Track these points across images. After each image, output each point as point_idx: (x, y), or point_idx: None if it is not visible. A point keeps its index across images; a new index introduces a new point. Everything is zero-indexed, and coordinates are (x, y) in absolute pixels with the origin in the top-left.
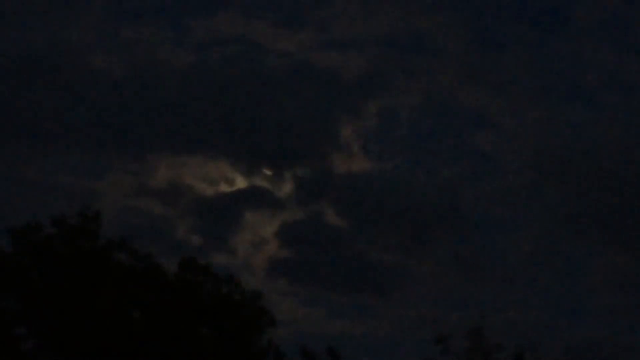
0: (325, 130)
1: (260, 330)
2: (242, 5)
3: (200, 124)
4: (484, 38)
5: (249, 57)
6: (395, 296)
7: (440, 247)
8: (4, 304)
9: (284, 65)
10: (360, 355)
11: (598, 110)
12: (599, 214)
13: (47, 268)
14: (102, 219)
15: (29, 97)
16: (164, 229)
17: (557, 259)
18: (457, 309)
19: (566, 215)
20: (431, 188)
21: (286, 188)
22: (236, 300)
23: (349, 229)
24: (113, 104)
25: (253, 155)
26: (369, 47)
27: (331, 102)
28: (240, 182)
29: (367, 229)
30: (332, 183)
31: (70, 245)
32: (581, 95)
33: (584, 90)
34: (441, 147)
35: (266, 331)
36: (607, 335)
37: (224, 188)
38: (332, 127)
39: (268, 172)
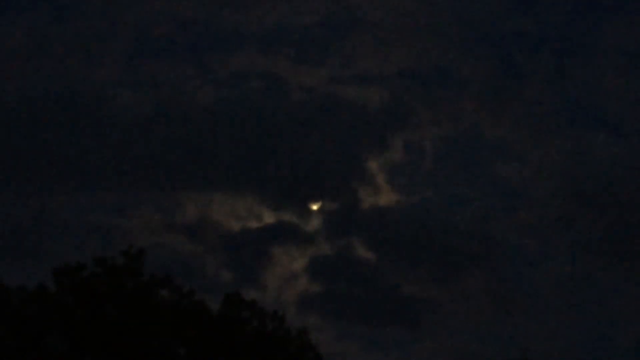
0: (351, 164)
1: None
2: (263, 41)
3: (226, 159)
4: (507, 69)
5: (273, 91)
6: (428, 329)
7: (472, 279)
8: (50, 343)
9: (308, 99)
10: None
11: (623, 139)
12: (628, 242)
13: (92, 307)
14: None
15: (56, 136)
16: (193, 265)
17: (588, 290)
18: (489, 341)
19: (597, 246)
20: (460, 220)
21: (314, 222)
22: (281, 336)
23: (379, 262)
24: (139, 142)
25: (279, 190)
26: (392, 80)
27: (356, 136)
28: (268, 217)
29: (397, 262)
30: (360, 217)
31: (114, 284)
32: (606, 124)
33: (608, 119)
34: (468, 179)
35: None
36: None
37: (252, 223)
38: (358, 160)
39: (314, 207)
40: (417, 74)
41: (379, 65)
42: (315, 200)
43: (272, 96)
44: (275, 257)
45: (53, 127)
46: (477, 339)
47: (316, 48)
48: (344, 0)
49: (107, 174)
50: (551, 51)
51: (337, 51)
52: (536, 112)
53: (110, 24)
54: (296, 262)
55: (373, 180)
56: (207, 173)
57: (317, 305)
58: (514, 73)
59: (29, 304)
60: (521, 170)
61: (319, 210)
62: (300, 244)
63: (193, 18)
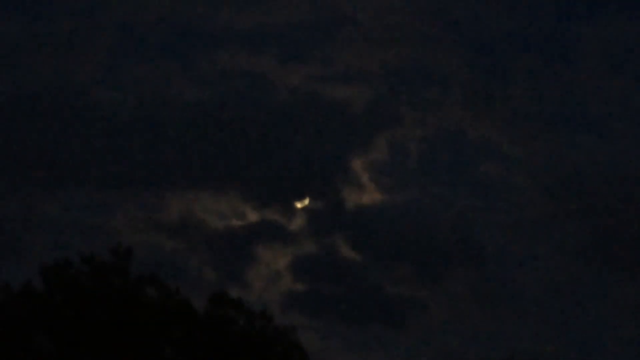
0: (336, 163)
1: None
2: (248, 40)
3: (210, 158)
4: (491, 69)
5: (257, 90)
6: (411, 328)
7: (456, 279)
8: (37, 342)
9: (292, 98)
10: None
11: (607, 139)
12: (615, 244)
13: (79, 305)
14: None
15: (39, 134)
16: (176, 264)
17: (572, 290)
18: (473, 340)
19: (581, 246)
20: (444, 220)
21: (298, 221)
22: (269, 335)
23: (363, 261)
24: (123, 140)
25: (264, 189)
26: (376, 80)
27: (341, 135)
28: (252, 216)
29: (381, 261)
30: (344, 216)
31: (102, 283)
32: (590, 124)
33: (593, 119)
34: (452, 178)
35: None
36: None
37: (236, 222)
38: (342, 159)
39: (300, 205)
40: (401, 74)
41: (363, 65)
42: (300, 198)
43: (257, 95)
44: (259, 256)
45: (36, 125)
46: (461, 339)
47: (301, 47)
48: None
49: (90, 172)
50: (536, 52)
51: (321, 50)
52: (521, 112)
53: (93, 23)
54: (280, 260)
55: (357, 179)
56: (191, 171)
57: (301, 304)
58: (499, 74)
59: (15, 303)
60: (505, 170)
61: (303, 209)
62: (284, 242)
63: (176, 16)
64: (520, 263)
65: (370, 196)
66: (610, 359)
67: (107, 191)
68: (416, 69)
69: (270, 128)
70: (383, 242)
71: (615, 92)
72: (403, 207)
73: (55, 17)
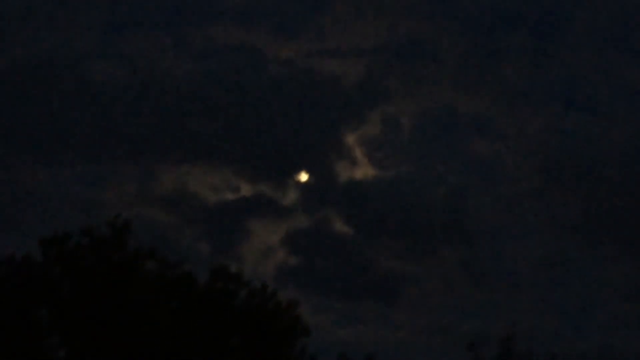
0: (329, 138)
1: (295, 339)
2: (240, 13)
3: (202, 132)
4: (483, 45)
5: (250, 64)
6: (405, 303)
7: (448, 254)
8: (35, 314)
9: (285, 72)
10: None
11: (600, 117)
12: (606, 220)
13: (78, 278)
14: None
15: (30, 107)
16: (169, 237)
17: (565, 267)
18: (466, 316)
19: (573, 222)
20: (437, 195)
21: (291, 195)
22: (270, 309)
23: (356, 236)
24: (114, 114)
25: (256, 163)
26: (368, 55)
27: (334, 110)
28: (245, 190)
29: (374, 236)
30: (337, 190)
31: (100, 255)
32: (583, 101)
33: (585, 97)
34: (444, 154)
35: (300, 340)
36: (616, 344)
37: (229, 196)
38: (335, 134)
39: (301, 179)
40: (393, 49)
41: (355, 40)
42: (293, 173)
43: (249, 69)
44: (252, 230)
45: (27, 98)
46: (454, 314)
47: (293, 21)
48: None
49: (81, 145)
50: (528, 28)
51: (314, 25)
52: (513, 89)
53: None
54: (273, 235)
55: (350, 154)
56: (184, 145)
57: (294, 279)
58: (491, 49)
59: (15, 275)
60: (498, 147)
61: (297, 183)
62: (277, 217)
63: None
64: (512, 238)
65: (364, 171)
66: (604, 335)
67: (99, 164)
68: (408, 44)
69: (263, 102)
70: (376, 216)
71: (607, 70)
72: (396, 182)
73: None
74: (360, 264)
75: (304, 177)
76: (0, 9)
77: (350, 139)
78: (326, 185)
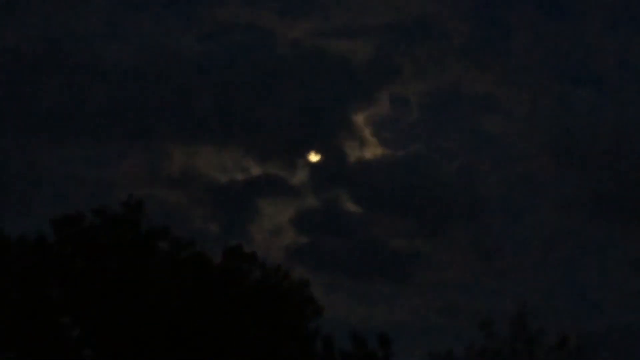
0: (338, 117)
1: (307, 318)
2: None
3: (212, 112)
4: (492, 23)
5: (258, 44)
6: (415, 282)
7: (459, 233)
8: (49, 293)
9: (293, 52)
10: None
11: (608, 93)
12: (614, 197)
13: (91, 258)
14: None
15: (39, 88)
16: (179, 218)
17: (574, 244)
18: (476, 294)
19: (582, 200)
20: (446, 174)
21: (300, 175)
22: (283, 288)
23: (365, 215)
24: (124, 94)
25: (265, 143)
26: (376, 34)
27: (342, 90)
28: (254, 170)
29: (383, 215)
30: (346, 170)
31: (113, 235)
32: (591, 78)
33: (593, 73)
34: (453, 133)
35: (313, 319)
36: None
37: (238, 176)
38: (344, 113)
39: (312, 159)
40: (401, 28)
41: (364, 19)
42: (302, 153)
43: (258, 49)
44: (261, 210)
45: (36, 79)
46: (465, 293)
47: (301, 1)
48: None
49: (90, 125)
50: (536, 5)
51: (321, 3)
52: (522, 66)
53: None
54: (282, 214)
55: (359, 133)
56: (193, 125)
57: (304, 258)
58: (500, 28)
59: (28, 255)
60: (506, 124)
61: (307, 163)
62: (286, 196)
63: None
64: (522, 215)
65: (372, 150)
66: (614, 311)
67: (109, 144)
68: (416, 22)
69: (272, 82)
70: (385, 196)
71: (615, 47)
72: (405, 161)
73: None
74: (369, 243)
75: (314, 157)
76: None
77: (359, 118)
78: (335, 165)
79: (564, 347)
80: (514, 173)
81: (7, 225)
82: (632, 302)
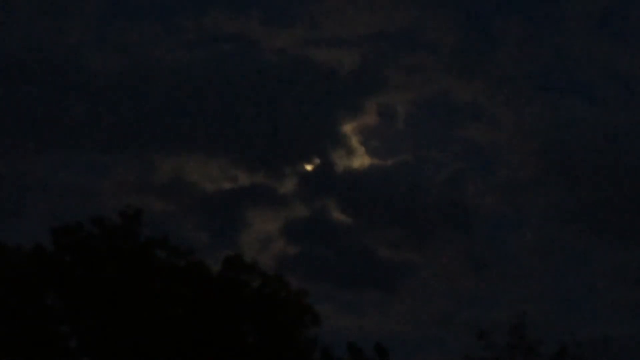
0: (325, 127)
1: (305, 327)
2: (233, 3)
3: (200, 121)
4: (478, 32)
5: (244, 53)
6: (403, 292)
7: (446, 242)
8: (48, 302)
9: (280, 61)
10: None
11: (595, 103)
12: (602, 207)
13: (89, 267)
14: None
15: (29, 96)
16: (168, 227)
17: (562, 253)
18: (464, 304)
19: (570, 209)
20: (434, 183)
21: (288, 185)
22: (281, 298)
23: (354, 225)
24: (112, 103)
25: (253, 152)
26: (362, 43)
27: (329, 99)
28: (243, 179)
29: (372, 224)
30: (334, 179)
31: (112, 244)
32: (577, 88)
33: (580, 83)
34: (441, 142)
35: (310, 329)
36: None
37: (226, 185)
38: (331, 123)
39: (302, 169)
40: (387, 37)
41: (349, 28)
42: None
43: (244, 58)
44: (250, 219)
45: (25, 88)
46: (452, 302)
47: (286, 10)
48: None
49: (80, 135)
50: (522, 14)
51: (307, 13)
52: (508, 75)
53: None
54: (271, 224)
55: (347, 143)
56: (181, 134)
57: (293, 268)
58: (485, 36)
59: (26, 264)
60: (493, 134)
61: (295, 173)
62: (275, 206)
63: None
64: (510, 225)
65: (360, 160)
66: (602, 322)
67: (97, 154)
68: (402, 32)
69: (259, 91)
70: (373, 205)
71: (602, 56)
72: (393, 170)
73: None
74: (359, 252)
75: (302, 167)
76: None
77: (347, 128)
78: (324, 175)
79: (564, 357)
80: (502, 183)
81: None
82: (622, 313)
